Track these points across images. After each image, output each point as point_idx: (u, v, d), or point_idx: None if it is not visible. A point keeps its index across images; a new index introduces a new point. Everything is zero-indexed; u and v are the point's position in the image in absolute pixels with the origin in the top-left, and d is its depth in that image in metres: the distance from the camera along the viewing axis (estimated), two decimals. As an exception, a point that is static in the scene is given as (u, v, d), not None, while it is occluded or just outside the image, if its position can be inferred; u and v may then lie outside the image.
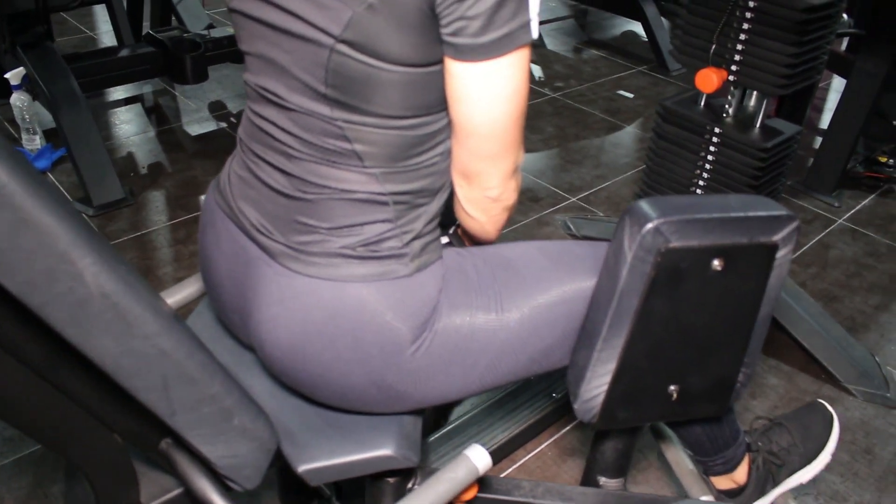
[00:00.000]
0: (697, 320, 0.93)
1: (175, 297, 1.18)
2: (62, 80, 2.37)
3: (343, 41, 0.75)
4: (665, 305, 0.90)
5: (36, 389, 0.70)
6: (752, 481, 1.27)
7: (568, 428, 1.67)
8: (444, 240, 1.05)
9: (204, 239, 0.98)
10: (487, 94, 0.78)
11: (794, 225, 0.91)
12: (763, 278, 0.93)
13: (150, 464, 0.96)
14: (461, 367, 0.92)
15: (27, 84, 2.48)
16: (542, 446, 1.62)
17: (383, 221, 0.86)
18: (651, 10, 3.58)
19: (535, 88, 3.33)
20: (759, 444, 1.29)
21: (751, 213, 0.89)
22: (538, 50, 3.76)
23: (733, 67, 1.55)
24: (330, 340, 0.86)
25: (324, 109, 0.81)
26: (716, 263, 0.89)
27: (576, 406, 0.99)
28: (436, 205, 0.91)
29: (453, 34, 0.74)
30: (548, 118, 3.08)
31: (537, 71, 3.52)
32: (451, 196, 0.95)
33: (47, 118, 2.51)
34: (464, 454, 0.95)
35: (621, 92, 3.35)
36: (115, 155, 2.63)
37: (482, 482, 1.12)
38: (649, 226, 0.85)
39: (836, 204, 2.54)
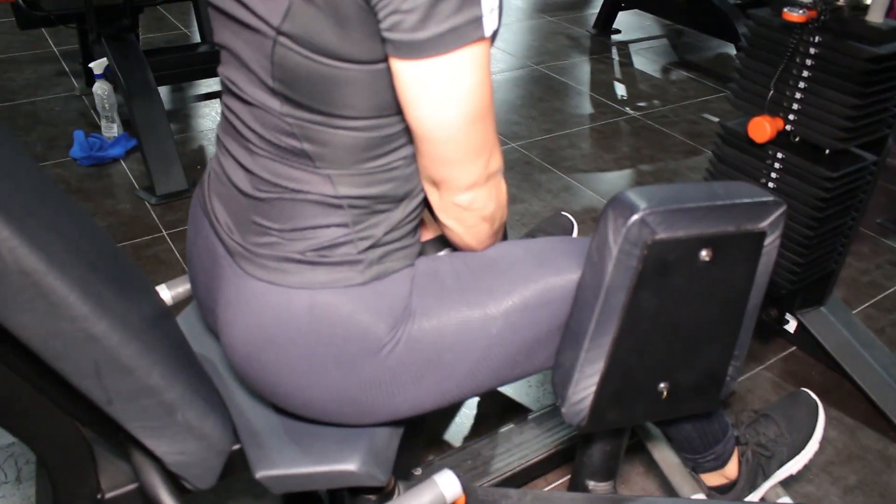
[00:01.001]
0: (686, 314, 0.91)
1: (177, 289, 1.17)
2: (139, 72, 2.45)
3: (283, 33, 0.71)
4: (653, 300, 0.87)
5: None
6: (743, 475, 1.26)
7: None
8: (445, 252, 0.99)
9: (187, 234, 0.97)
10: (435, 95, 0.72)
11: (780, 210, 0.88)
12: (751, 267, 0.91)
13: (115, 454, 0.94)
14: (436, 375, 0.87)
15: (109, 74, 2.58)
16: (565, 479, 1.53)
17: (338, 226, 0.81)
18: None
19: (614, 106, 3.22)
20: (747, 436, 1.28)
21: (737, 201, 0.86)
22: (624, 68, 3.64)
23: (791, 117, 1.44)
24: (282, 349, 0.82)
25: (274, 104, 0.77)
26: (704, 254, 0.86)
27: (563, 409, 0.94)
28: (400, 213, 0.85)
29: (389, 29, 0.69)
30: (624, 137, 2.97)
31: (620, 89, 3.41)
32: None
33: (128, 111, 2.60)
34: (432, 479, 0.89)
35: (706, 115, 3.19)
36: (186, 147, 2.69)
37: (469, 493, 1.05)
38: (635, 217, 0.81)
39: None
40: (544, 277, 0.91)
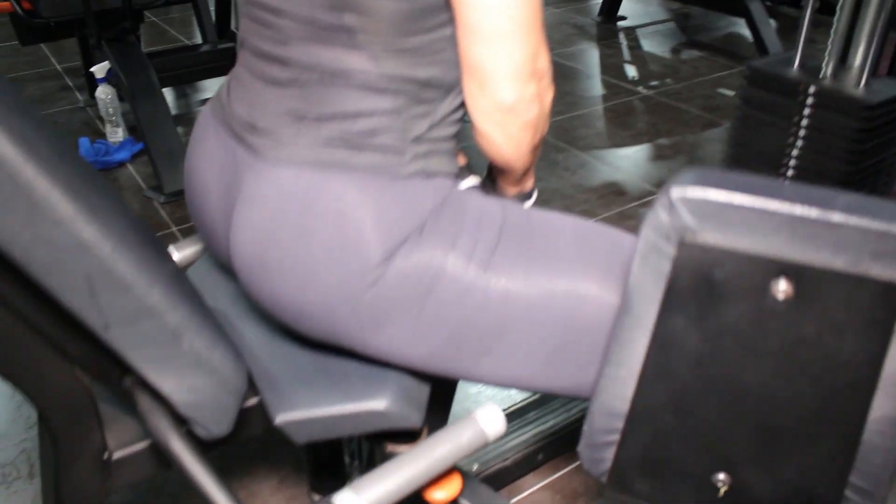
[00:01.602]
0: (754, 378, 0.62)
1: (185, 251, 1.10)
2: (142, 72, 2.40)
3: None
4: (694, 333, 0.61)
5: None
6: None
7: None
8: (474, 181, 0.91)
9: (192, 158, 0.89)
10: None
11: None
12: (876, 339, 0.57)
13: (122, 409, 0.87)
14: (412, 321, 0.77)
15: (111, 78, 2.54)
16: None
17: (382, 113, 0.75)
18: (756, 7, 3.32)
19: (625, 87, 3.14)
20: None
21: (863, 221, 0.54)
22: (633, 51, 3.57)
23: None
24: (294, 239, 0.75)
25: None
26: (780, 288, 0.57)
27: (579, 449, 0.73)
28: (447, 106, 0.79)
29: None
30: (639, 115, 2.89)
31: (630, 70, 3.33)
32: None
33: (132, 115, 2.56)
34: (473, 414, 0.80)
35: (721, 90, 3.11)
36: (193, 149, 2.64)
37: (466, 486, 0.91)
38: (666, 197, 0.58)
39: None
40: (582, 272, 0.77)
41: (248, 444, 1.50)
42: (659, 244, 0.59)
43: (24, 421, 1.54)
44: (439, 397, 0.93)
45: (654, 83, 3.19)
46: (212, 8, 2.94)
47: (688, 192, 0.56)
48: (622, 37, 3.76)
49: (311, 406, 0.81)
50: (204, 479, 0.73)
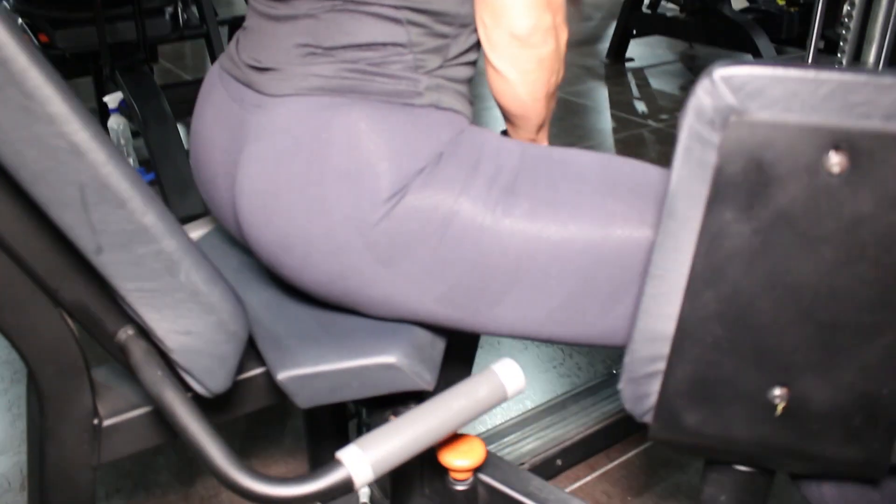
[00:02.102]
0: (810, 269, 0.57)
1: (199, 231, 1.06)
2: (154, 100, 2.41)
3: None
4: (744, 227, 0.56)
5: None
6: None
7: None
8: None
9: (198, 117, 0.87)
10: None
11: None
12: None
13: (116, 376, 0.82)
14: (424, 260, 0.73)
15: (124, 108, 2.55)
16: (630, 454, 1.36)
17: (394, 45, 0.73)
18: (763, 42, 3.35)
19: (635, 120, 3.15)
20: None
21: None
22: (641, 89, 3.59)
23: None
24: (306, 167, 0.72)
25: None
26: (833, 161, 0.53)
27: (621, 386, 0.67)
28: (461, 44, 0.77)
29: None
30: (650, 145, 2.88)
31: (640, 106, 3.34)
32: None
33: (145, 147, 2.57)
34: (490, 368, 0.74)
35: (732, 123, 3.11)
36: (203, 178, 2.64)
37: (487, 460, 0.81)
38: (710, 79, 0.53)
39: None
40: (608, 215, 0.72)
41: (249, 420, 1.45)
42: (702, 132, 0.54)
43: (20, 435, 1.48)
44: (457, 360, 0.87)
45: (663, 116, 3.19)
46: (225, 43, 2.98)
47: (731, 71, 0.53)
48: (630, 76, 3.79)
49: (316, 362, 0.76)
50: (201, 436, 0.67)
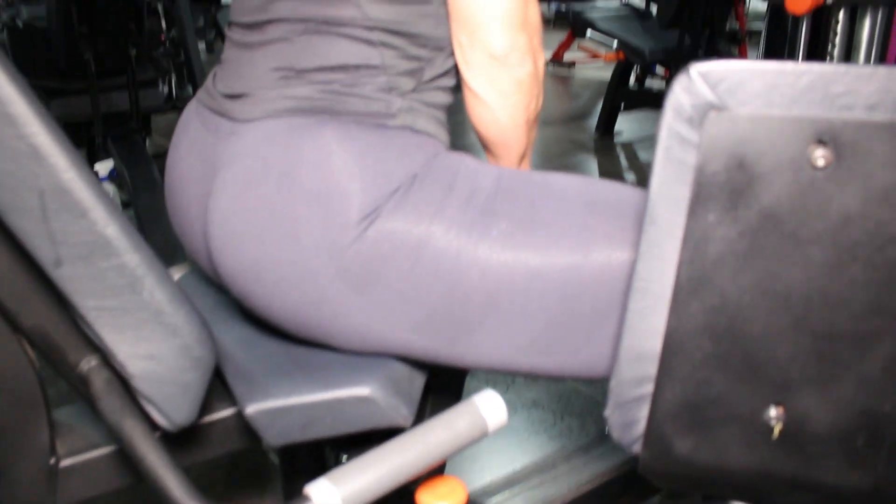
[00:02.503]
0: (800, 272, 0.54)
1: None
2: (144, 167, 2.43)
3: None
4: (729, 230, 0.54)
5: None
6: None
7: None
8: None
9: (173, 150, 0.86)
10: None
11: None
12: None
13: (78, 416, 0.78)
14: (397, 286, 0.70)
15: (114, 177, 2.56)
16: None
17: (368, 67, 0.73)
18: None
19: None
20: None
21: (881, 68, 0.52)
22: (631, 161, 3.63)
23: None
24: (276, 188, 0.70)
25: None
26: (817, 155, 0.51)
27: (606, 413, 0.63)
28: (436, 68, 0.76)
29: None
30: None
31: (630, 176, 3.38)
32: None
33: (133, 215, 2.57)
34: (471, 399, 0.71)
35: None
36: (192, 246, 2.62)
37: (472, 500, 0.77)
38: (687, 76, 0.52)
39: None
40: (590, 239, 0.70)
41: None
42: (681, 131, 0.53)
43: None
44: (442, 400, 0.83)
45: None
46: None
47: (709, 67, 0.52)
48: (619, 149, 3.84)
49: (287, 395, 0.72)
50: (159, 468, 0.63)
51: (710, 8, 3.33)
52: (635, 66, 3.96)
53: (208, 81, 0.86)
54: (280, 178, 0.71)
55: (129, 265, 0.60)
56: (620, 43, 3.50)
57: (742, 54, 4.23)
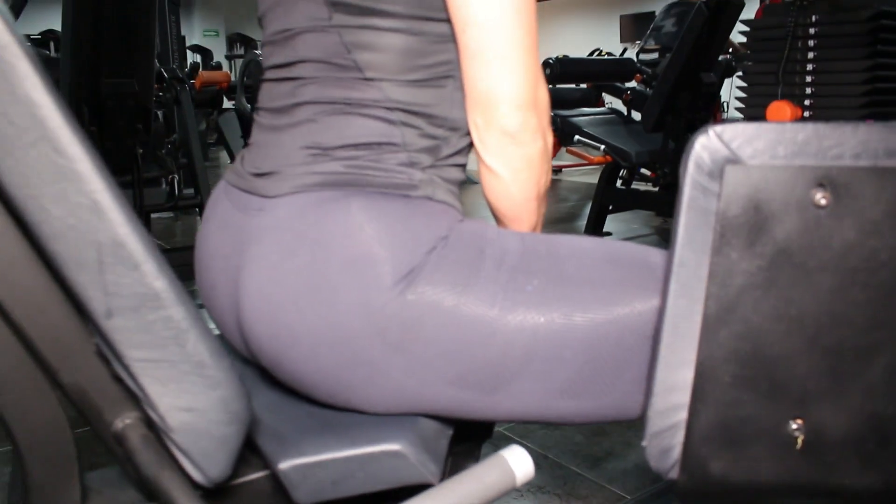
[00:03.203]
0: (810, 298, 0.62)
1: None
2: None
3: None
4: (749, 265, 0.62)
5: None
6: None
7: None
8: None
9: (202, 232, 0.90)
10: None
11: None
12: None
13: (107, 481, 0.78)
14: (427, 348, 0.73)
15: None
16: None
17: (390, 144, 0.78)
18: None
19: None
20: None
21: (871, 126, 0.62)
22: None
23: (806, 102, 1.44)
24: (311, 258, 0.74)
25: (323, 14, 0.78)
26: (818, 196, 0.60)
27: (644, 444, 0.68)
28: (451, 146, 0.82)
29: None
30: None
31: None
32: None
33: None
34: (499, 454, 0.72)
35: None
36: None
37: None
38: (704, 135, 0.61)
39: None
40: (620, 297, 0.74)
41: None
42: (703, 182, 0.61)
43: None
44: (459, 458, 0.84)
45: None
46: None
47: (723, 128, 0.60)
48: (609, 247, 3.92)
49: (319, 451, 0.73)
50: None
51: (692, 112, 3.50)
52: (622, 170, 4.11)
53: (237, 163, 0.91)
54: (314, 248, 0.74)
55: (174, 318, 0.63)
56: (608, 146, 3.65)
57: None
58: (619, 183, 4.16)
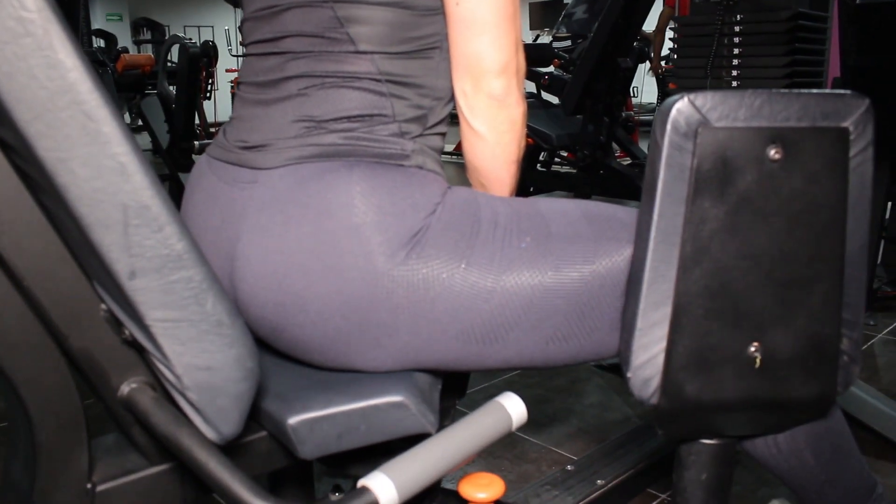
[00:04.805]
0: (766, 238, 0.73)
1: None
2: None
3: None
4: (719, 211, 0.71)
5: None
6: None
7: None
8: None
9: (187, 204, 0.92)
10: None
11: (863, 107, 0.73)
12: (839, 178, 0.73)
13: (113, 446, 0.80)
14: (434, 306, 0.79)
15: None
16: None
17: (380, 115, 0.82)
18: (649, 192, 3.70)
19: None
20: None
21: (806, 91, 0.74)
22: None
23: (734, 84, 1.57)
24: (314, 225, 0.77)
25: None
26: (772, 152, 0.71)
27: (629, 375, 0.76)
28: (436, 115, 0.87)
29: None
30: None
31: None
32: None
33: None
34: (495, 400, 0.78)
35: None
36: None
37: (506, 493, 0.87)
38: (681, 101, 0.70)
39: (872, 322, 2.48)
40: (597, 252, 0.81)
41: None
42: (679, 142, 0.70)
43: None
44: (447, 402, 0.90)
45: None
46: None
47: (694, 96, 0.70)
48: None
49: (325, 406, 0.77)
50: (222, 472, 0.66)
51: (610, 96, 3.64)
52: (542, 152, 4.23)
53: (219, 137, 0.92)
54: (318, 217, 0.77)
55: (195, 278, 0.65)
56: (529, 129, 3.75)
57: (634, 140, 4.60)
58: (538, 165, 4.28)
